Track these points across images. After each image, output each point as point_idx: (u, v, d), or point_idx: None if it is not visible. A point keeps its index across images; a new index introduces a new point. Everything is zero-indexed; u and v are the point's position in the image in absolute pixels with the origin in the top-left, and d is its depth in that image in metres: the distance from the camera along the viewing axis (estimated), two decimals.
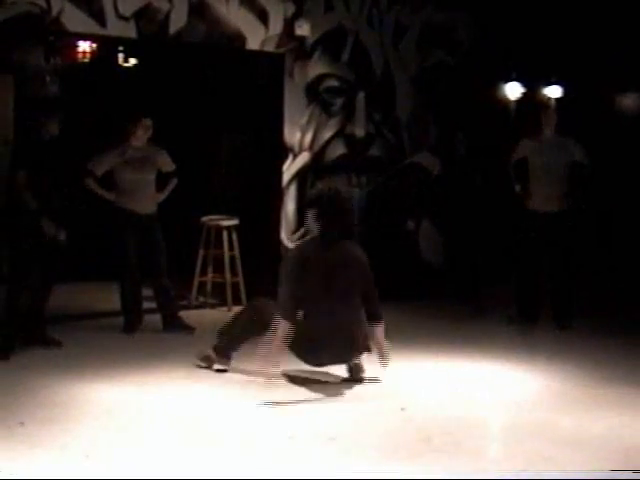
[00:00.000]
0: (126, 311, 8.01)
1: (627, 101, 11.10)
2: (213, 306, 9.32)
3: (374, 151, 10.00)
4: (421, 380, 6.66)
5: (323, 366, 6.41)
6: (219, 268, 9.27)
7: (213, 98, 10.23)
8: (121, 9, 8.37)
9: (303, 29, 9.36)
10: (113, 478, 4.56)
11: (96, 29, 8.34)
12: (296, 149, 9.52)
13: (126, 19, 8.41)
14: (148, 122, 7.98)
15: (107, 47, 10.20)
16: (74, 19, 8.17)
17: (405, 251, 10.16)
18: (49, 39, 9.55)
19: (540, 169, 8.52)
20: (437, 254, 10.49)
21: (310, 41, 9.48)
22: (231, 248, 9.24)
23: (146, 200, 8.00)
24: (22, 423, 5.30)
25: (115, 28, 8.39)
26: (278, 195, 9.46)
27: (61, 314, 8.15)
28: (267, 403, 5.87)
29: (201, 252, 9.28)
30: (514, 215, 8.84)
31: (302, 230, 9.04)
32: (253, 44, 9.14)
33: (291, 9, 9.32)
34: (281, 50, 9.33)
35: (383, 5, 9.97)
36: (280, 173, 9.45)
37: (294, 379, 6.42)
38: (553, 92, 10.97)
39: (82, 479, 4.52)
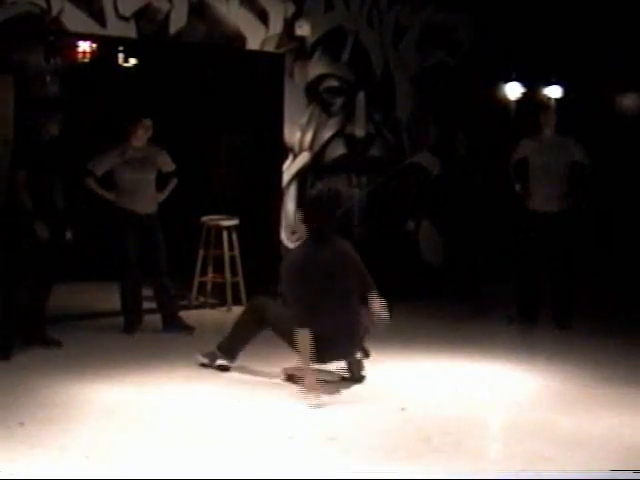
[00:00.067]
0: (126, 311, 8.01)
1: (627, 101, 11.10)
2: (213, 306, 9.31)
3: (374, 151, 10.00)
4: (421, 380, 6.66)
5: (324, 364, 6.42)
6: (219, 268, 9.27)
7: (213, 98, 10.22)
8: (121, 9, 8.37)
9: (303, 29, 9.35)
10: (113, 478, 4.56)
11: (96, 29, 8.34)
12: (296, 149, 9.52)
13: (126, 19, 8.41)
14: (148, 122, 7.98)
15: (107, 47, 10.19)
16: (74, 19, 8.17)
17: (405, 251, 10.16)
18: (49, 39, 9.56)
19: (540, 169, 8.52)
20: (437, 254, 10.49)
21: (310, 41, 9.48)
22: (231, 248, 9.24)
23: (146, 200, 8.00)
24: (22, 423, 5.30)
25: (115, 28, 8.39)
26: (278, 195, 9.46)
27: (61, 314, 8.14)
28: (267, 403, 5.88)
29: (201, 252, 9.27)
30: (514, 215, 8.84)
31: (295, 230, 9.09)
32: (253, 44, 9.14)
33: (291, 9, 9.33)
34: (281, 50, 9.33)
35: (383, 5, 9.98)
36: (280, 173, 9.45)
37: (294, 379, 6.42)
38: (553, 92, 10.97)
39: (82, 479, 4.52)
